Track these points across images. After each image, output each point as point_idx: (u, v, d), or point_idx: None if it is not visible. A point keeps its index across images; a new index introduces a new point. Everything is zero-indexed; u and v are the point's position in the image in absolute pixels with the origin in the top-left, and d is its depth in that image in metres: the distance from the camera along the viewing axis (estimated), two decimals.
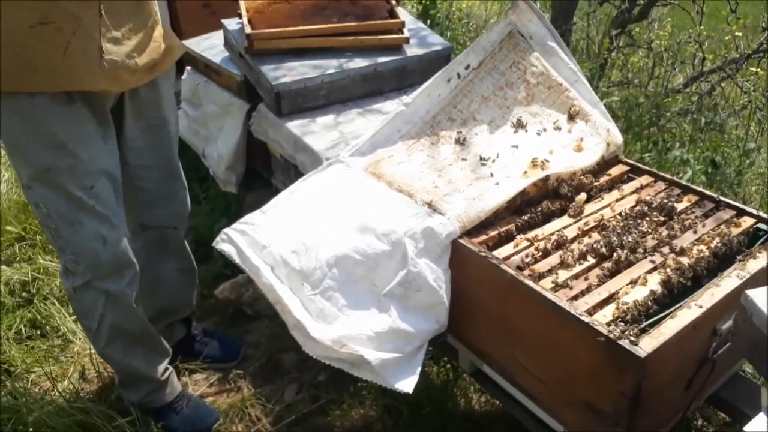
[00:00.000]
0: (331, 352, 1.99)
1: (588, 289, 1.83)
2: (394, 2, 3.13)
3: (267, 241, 2.12)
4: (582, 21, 5.11)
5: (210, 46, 3.49)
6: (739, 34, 4.18)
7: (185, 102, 3.66)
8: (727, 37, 4.28)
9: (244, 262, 2.10)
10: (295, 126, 2.77)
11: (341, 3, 3.09)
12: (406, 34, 3.03)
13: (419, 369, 2.02)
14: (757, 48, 4.40)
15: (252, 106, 3.11)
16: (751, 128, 4.00)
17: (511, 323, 1.95)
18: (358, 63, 2.94)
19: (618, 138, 2.42)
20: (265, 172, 3.28)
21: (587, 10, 5.05)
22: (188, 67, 3.67)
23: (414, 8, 5.03)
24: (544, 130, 2.40)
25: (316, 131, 2.74)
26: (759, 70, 4.04)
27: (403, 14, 3.21)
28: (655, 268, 1.88)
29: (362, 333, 1.95)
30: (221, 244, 2.16)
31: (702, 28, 4.56)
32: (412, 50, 3.07)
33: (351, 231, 2.08)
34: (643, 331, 1.66)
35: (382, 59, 2.97)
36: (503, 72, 2.50)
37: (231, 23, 3.19)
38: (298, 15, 3.01)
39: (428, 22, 4.82)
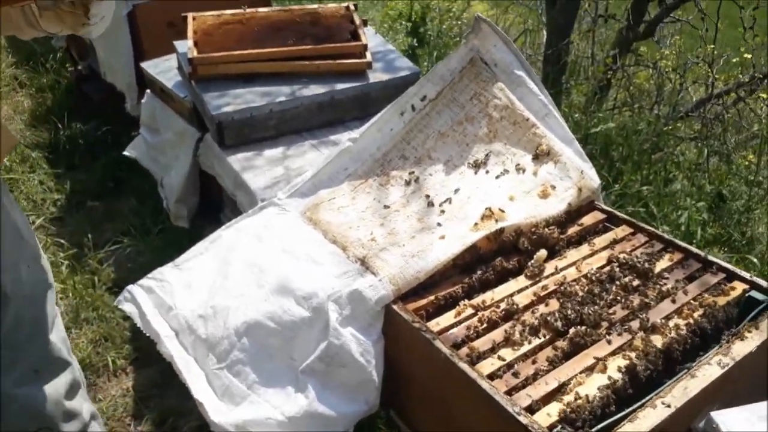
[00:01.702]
0: None
1: (534, 376, 1.51)
2: (358, 22, 2.85)
3: (174, 302, 1.85)
4: (581, 40, 4.78)
5: (168, 68, 3.24)
6: (748, 56, 3.81)
7: (144, 127, 3.42)
8: (735, 60, 3.92)
9: (145, 326, 1.82)
10: (236, 160, 2.50)
11: (300, 24, 2.83)
12: (369, 57, 2.74)
13: None
14: None
15: (202, 135, 2.85)
16: (763, 159, 3.62)
17: (449, 407, 1.64)
18: (314, 90, 2.66)
19: (593, 181, 2.10)
20: (218, 207, 3.01)
21: (588, 28, 4.72)
22: (147, 90, 3.43)
23: (403, 26, 4.76)
24: (506, 171, 2.09)
25: (259, 166, 2.47)
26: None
27: (370, 35, 2.93)
28: (619, 350, 1.55)
29: (272, 417, 1.66)
30: (123, 304, 1.89)
31: (712, 47, 4.21)
32: (376, 75, 2.79)
33: (268, 292, 1.79)
34: None
35: (340, 86, 2.69)
36: (463, 104, 2.20)
37: (183, 45, 2.94)
38: (250, 37, 2.75)
39: (415, 41, 4.53)
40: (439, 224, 1.92)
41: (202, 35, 2.74)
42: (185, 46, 2.92)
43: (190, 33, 2.73)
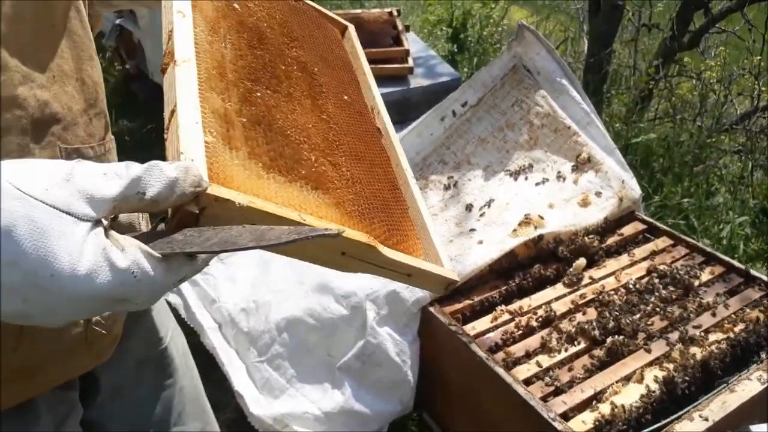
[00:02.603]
0: (277, 427, 1.74)
1: (570, 383, 1.51)
2: (401, 28, 2.88)
3: (218, 295, 1.90)
4: (624, 49, 4.73)
5: None
6: None
7: None
8: None
9: (190, 318, 1.88)
10: None
11: None
12: (410, 63, 2.78)
13: None
14: None
15: None
16: None
17: (485, 413, 1.66)
18: None
19: (634, 192, 2.09)
20: None
21: (631, 37, 4.67)
22: None
23: (443, 31, 4.77)
24: (546, 179, 2.09)
25: None
26: None
27: (412, 41, 2.96)
28: (656, 361, 1.55)
29: (309, 412, 1.70)
30: (169, 295, 1.95)
31: (759, 58, 4.12)
32: (416, 80, 2.82)
33: (308, 290, 1.83)
34: None
35: (382, 90, 2.71)
36: (504, 111, 2.22)
37: None
38: None
39: (455, 46, 4.54)
40: (476, 230, 1.93)
41: None
42: None
43: None
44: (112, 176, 0.54)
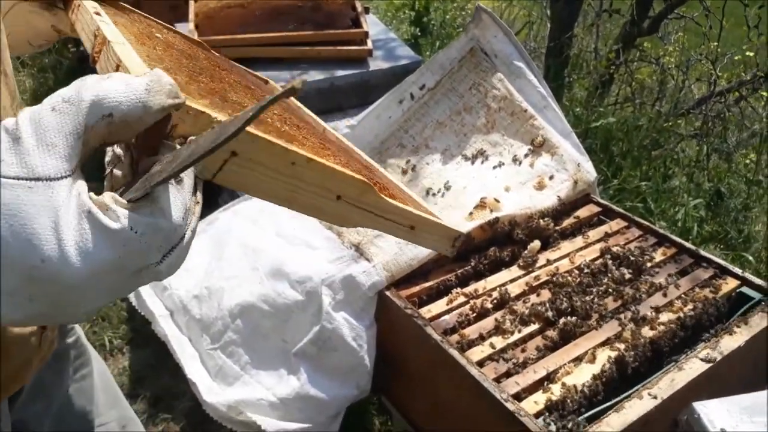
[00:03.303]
0: (232, 415, 1.71)
1: (523, 364, 1.52)
2: (360, 9, 2.84)
3: (169, 282, 1.86)
4: (585, 34, 4.76)
5: None
6: (751, 54, 3.80)
7: None
8: (737, 57, 3.90)
9: (141, 305, 1.83)
10: None
11: (302, 9, 2.82)
12: (369, 45, 2.74)
13: None
14: None
15: None
16: (763, 158, 3.62)
17: (441, 395, 1.66)
18: (314, 76, 2.66)
19: (590, 174, 2.10)
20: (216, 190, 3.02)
21: (592, 22, 4.70)
22: None
23: (406, 14, 4.73)
24: (503, 163, 2.09)
25: None
26: None
27: (371, 23, 2.92)
28: (608, 341, 1.57)
29: (264, 399, 1.68)
30: None
31: (716, 44, 4.19)
32: (376, 63, 2.79)
33: (262, 275, 1.80)
34: (584, 424, 1.36)
35: (340, 72, 2.69)
36: (462, 94, 2.20)
37: (184, 28, 2.93)
38: (251, 21, 2.74)
39: (418, 30, 4.51)
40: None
41: (204, 18, 2.74)
42: (186, 29, 2.91)
43: (191, 16, 2.73)
44: (62, 107, 0.44)
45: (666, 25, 4.84)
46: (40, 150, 0.43)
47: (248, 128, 0.48)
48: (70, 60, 4.66)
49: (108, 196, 0.45)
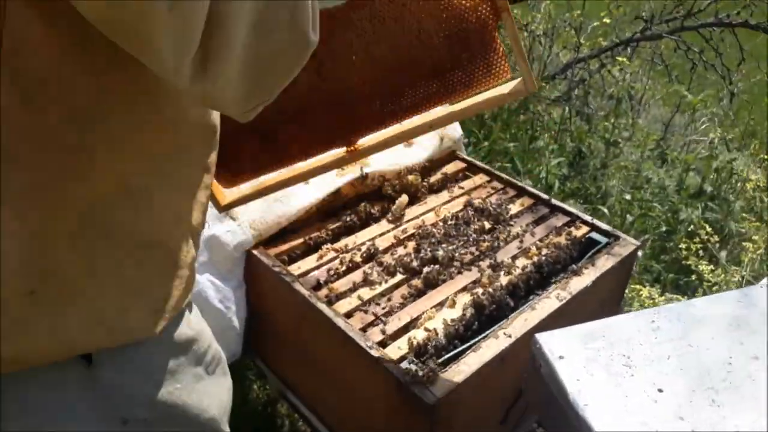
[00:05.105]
0: None
1: (389, 313, 1.56)
2: None
3: None
4: None
5: None
6: (608, 21, 4.07)
7: None
8: (595, 23, 4.17)
9: None
10: None
11: None
12: None
13: None
14: (630, 37, 4.33)
15: None
16: (620, 121, 3.92)
17: (311, 350, 1.67)
18: None
19: (455, 132, 2.17)
20: None
21: None
22: None
23: None
24: None
25: None
26: (625, 59, 3.96)
27: None
28: (468, 287, 1.64)
29: None
30: None
31: (578, 13, 4.44)
32: None
33: None
34: (444, 364, 1.42)
35: None
36: None
37: None
38: None
39: None
40: None
41: None
42: None
43: None
44: None
45: None
46: None
47: None
48: None
49: None
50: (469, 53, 1.17)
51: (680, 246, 2.77)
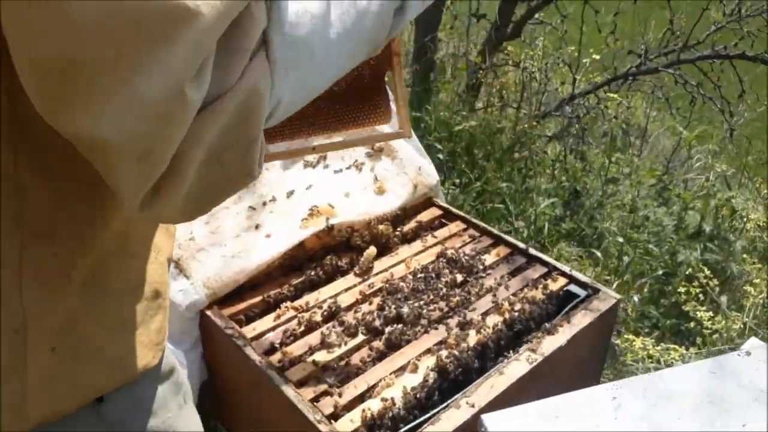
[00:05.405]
0: None
1: (345, 380, 1.45)
2: None
3: None
4: (449, 38, 4.84)
5: None
6: (597, 57, 4.00)
7: None
8: (586, 60, 4.10)
9: None
10: None
11: None
12: None
13: None
14: (625, 72, 4.25)
15: None
16: (614, 158, 3.81)
17: (265, 415, 1.56)
18: None
19: (431, 178, 2.08)
20: None
21: (451, 24, 4.78)
22: None
23: None
24: (344, 168, 2.03)
25: None
26: (616, 95, 3.87)
27: None
28: (432, 348, 1.53)
29: None
30: None
31: (572, 49, 4.39)
32: None
33: None
34: None
35: None
36: None
37: None
38: None
39: None
40: (263, 224, 1.82)
41: None
42: None
43: None
44: None
45: (533, 30, 5.02)
46: None
47: None
48: None
49: None
50: (360, 93, 1.25)
51: (679, 290, 2.63)
